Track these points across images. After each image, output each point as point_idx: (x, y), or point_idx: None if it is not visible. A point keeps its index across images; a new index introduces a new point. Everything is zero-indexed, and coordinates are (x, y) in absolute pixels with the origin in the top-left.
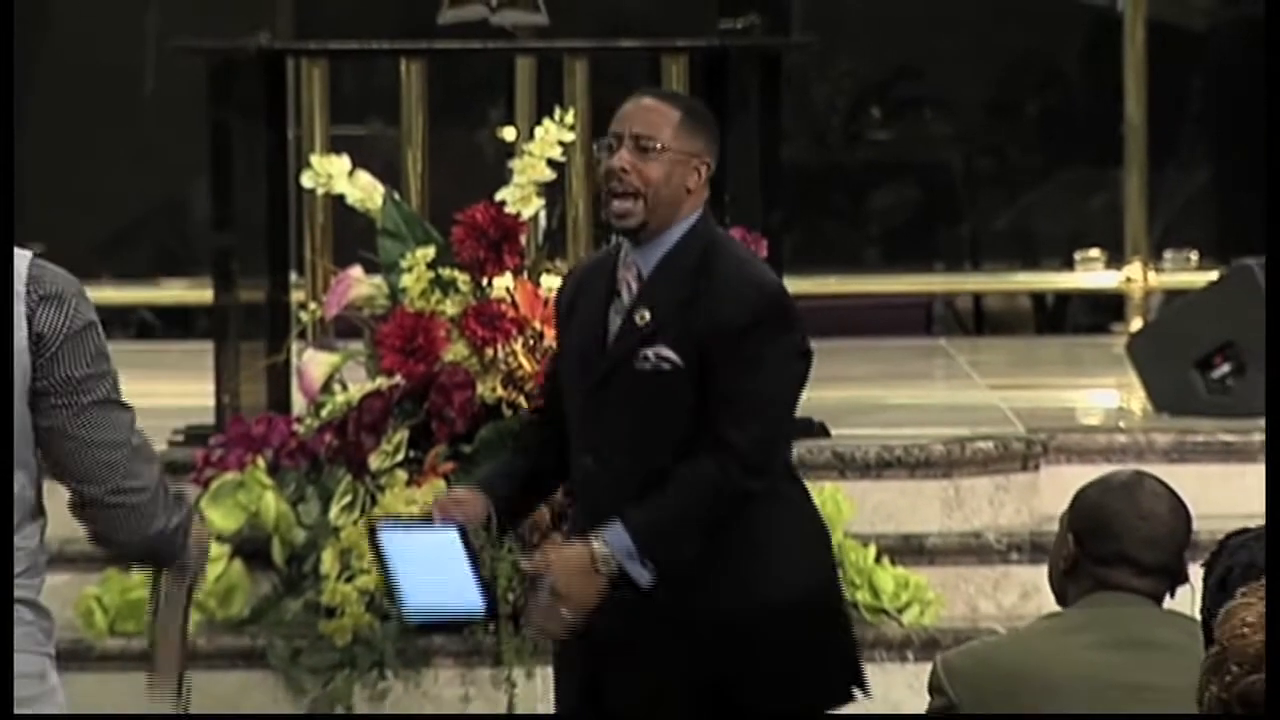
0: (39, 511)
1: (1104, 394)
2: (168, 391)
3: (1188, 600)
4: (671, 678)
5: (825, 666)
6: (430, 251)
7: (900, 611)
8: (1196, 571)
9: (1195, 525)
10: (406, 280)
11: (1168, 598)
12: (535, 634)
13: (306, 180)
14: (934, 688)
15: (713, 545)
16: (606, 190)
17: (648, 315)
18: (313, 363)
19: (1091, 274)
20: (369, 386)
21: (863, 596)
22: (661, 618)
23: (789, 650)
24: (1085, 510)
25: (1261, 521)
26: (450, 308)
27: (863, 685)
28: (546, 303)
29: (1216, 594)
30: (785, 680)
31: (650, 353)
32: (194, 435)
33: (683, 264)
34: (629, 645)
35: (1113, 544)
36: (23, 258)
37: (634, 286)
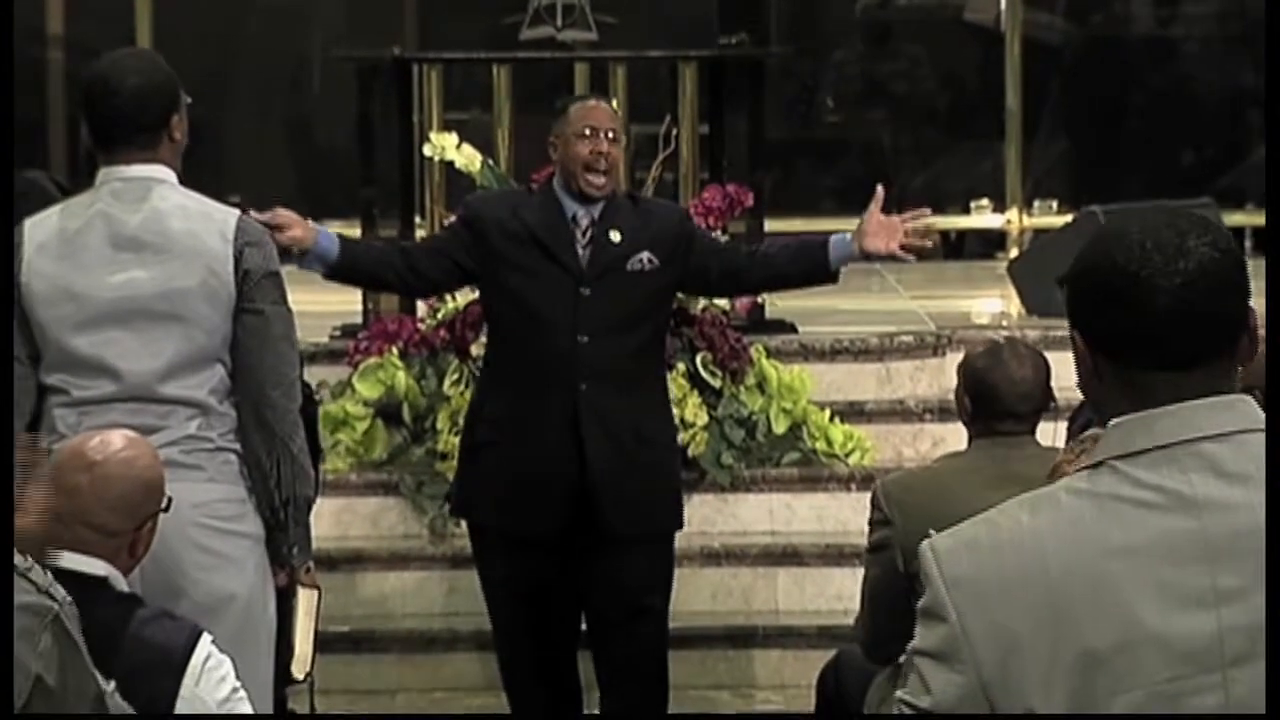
0: (231, 393)
1: (991, 302)
2: (328, 300)
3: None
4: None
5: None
6: None
7: (847, 456)
8: (1061, 425)
9: (1056, 394)
10: None
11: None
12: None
13: (427, 151)
14: (873, 504)
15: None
16: (585, 168)
17: (618, 236)
18: None
19: (982, 217)
20: (470, 297)
21: (820, 445)
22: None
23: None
24: (972, 382)
25: None
26: None
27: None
28: None
29: (1077, 436)
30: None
31: (644, 256)
32: (347, 330)
33: (618, 207)
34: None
35: (996, 404)
36: (232, 213)
37: (590, 226)
